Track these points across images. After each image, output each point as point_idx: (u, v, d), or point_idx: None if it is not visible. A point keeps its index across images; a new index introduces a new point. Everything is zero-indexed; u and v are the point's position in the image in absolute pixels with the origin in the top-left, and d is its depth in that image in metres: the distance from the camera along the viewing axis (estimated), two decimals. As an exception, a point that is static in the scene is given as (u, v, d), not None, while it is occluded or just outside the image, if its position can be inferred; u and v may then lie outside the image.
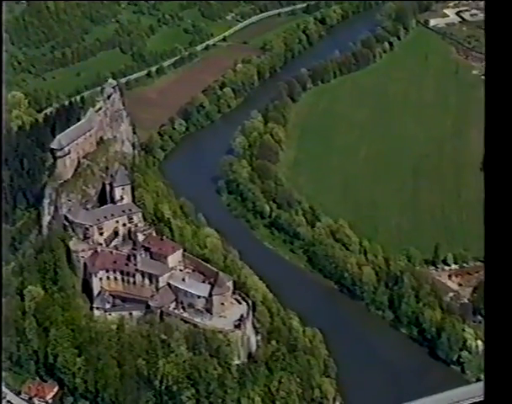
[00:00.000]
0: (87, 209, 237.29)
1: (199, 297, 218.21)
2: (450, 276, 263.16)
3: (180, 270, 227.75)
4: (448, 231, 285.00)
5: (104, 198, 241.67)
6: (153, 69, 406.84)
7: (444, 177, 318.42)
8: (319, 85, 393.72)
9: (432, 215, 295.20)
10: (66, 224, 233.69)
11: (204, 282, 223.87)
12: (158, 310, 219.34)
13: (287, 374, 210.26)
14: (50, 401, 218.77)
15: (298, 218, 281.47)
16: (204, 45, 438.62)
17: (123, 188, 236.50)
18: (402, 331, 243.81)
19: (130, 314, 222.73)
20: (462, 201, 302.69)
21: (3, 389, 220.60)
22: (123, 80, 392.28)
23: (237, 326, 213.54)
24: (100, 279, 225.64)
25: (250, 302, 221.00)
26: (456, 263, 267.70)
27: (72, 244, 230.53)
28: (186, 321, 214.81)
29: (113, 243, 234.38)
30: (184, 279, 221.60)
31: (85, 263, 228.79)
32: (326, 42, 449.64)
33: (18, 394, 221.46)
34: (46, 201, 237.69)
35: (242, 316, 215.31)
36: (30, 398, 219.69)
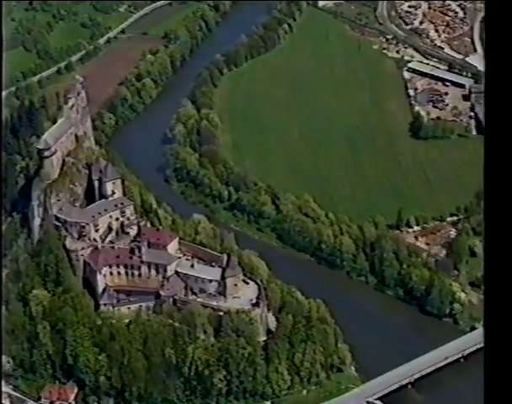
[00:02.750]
0: (75, 207, 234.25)
1: (210, 281, 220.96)
2: (416, 237, 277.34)
3: (179, 258, 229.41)
4: (399, 197, 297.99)
5: (89, 194, 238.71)
6: (62, 65, 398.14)
7: (379, 147, 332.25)
8: (233, 69, 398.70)
9: (379, 184, 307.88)
10: (58, 224, 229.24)
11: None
12: (171, 299, 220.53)
13: (310, 345, 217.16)
14: (72, 402, 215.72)
15: (262, 197, 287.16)
16: (105, 38, 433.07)
17: (114, 183, 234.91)
18: (389, 293, 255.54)
19: (140, 306, 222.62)
20: (404, 167, 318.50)
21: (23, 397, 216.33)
22: (35, 79, 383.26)
23: (256, 305, 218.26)
24: (104, 275, 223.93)
25: (259, 281, 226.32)
26: (417, 225, 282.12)
27: (68, 244, 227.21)
28: (205, 306, 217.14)
29: (108, 239, 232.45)
30: (192, 266, 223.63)
31: (85, 262, 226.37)
32: (224, 28, 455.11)
33: (37, 400, 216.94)
34: (35, 203, 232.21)
35: (259, 293, 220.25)
36: (52, 402, 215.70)
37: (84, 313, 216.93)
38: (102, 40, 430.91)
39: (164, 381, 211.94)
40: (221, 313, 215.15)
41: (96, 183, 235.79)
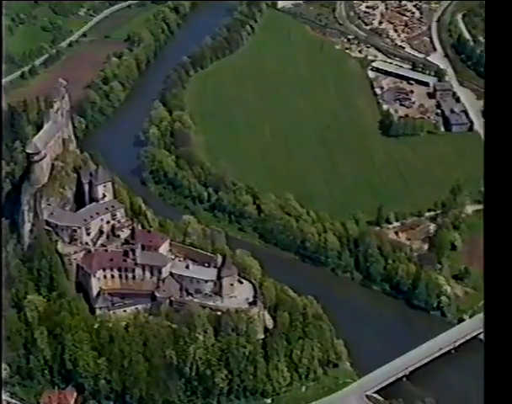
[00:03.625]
0: (65, 211, 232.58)
1: (206, 282, 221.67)
2: (396, 233, 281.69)
3: (172, 259, 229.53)
4: (376, 194, 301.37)
5: (78, 198, 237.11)
6: (26, 70, 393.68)
7: (351, 145, 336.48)
8: (198, 71, 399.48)
9: (355, 182, 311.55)
10: (49, 229, 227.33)
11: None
12: (167, 301, 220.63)
13: (307, 341, 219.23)
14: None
15: (243, 197, 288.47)
16: (67, 41, 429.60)
17: (105, 186, 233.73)
18: (375, 288, 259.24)
19: (137, 308, 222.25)
20: (378, 165, 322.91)
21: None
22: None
23: (253, 303, 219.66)
24: (98, 278, 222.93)
25: (254, 280, 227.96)
26: (397, 221, 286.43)
27: (60, 248, 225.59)
28: (203, 306, 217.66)
29: (99, 242, 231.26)
30: (187, 267, 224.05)
31: (78, 265, 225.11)
32: (185, 30, 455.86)
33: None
34: (25, 208, 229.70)
35: (255, 292, 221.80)
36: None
37: (81, 317, 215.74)
38: (64, 44, 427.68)
39: (165, 383, 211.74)
40: (220, 313, 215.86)
41: (86, 187, 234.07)
